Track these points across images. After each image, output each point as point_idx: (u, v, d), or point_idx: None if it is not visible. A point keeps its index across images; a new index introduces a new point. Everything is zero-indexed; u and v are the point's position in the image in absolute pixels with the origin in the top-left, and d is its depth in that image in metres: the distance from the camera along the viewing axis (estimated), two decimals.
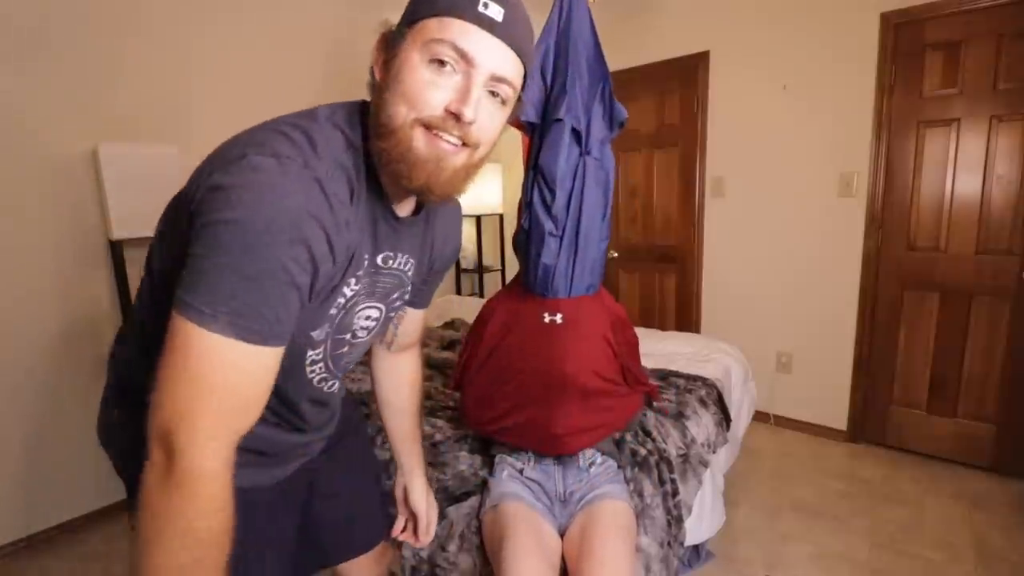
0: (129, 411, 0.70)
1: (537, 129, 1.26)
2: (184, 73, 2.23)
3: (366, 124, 0.63)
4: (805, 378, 2.74)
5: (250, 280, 0.51)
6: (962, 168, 2.25)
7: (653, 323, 3.27)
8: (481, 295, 3.78)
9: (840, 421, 2.66)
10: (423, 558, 1.22)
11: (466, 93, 0.58)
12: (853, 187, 2.48)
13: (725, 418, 1.81)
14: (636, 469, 1.35)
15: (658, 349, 2.20)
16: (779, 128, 2.66)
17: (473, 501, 1.28)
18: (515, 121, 1.26)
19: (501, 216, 3.79)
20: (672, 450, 1.45)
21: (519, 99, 0.66)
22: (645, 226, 3.26)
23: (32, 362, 1.94)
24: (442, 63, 0.57)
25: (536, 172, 1.23)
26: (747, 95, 2.74)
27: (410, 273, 0.78)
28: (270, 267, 0.52)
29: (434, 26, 0.57)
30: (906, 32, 2.30)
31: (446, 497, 1.30)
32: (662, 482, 1.36)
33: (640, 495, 1.30)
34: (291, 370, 0.68)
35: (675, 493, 1.36)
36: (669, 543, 1.29)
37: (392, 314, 0.81)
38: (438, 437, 1.47)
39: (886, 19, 2.32)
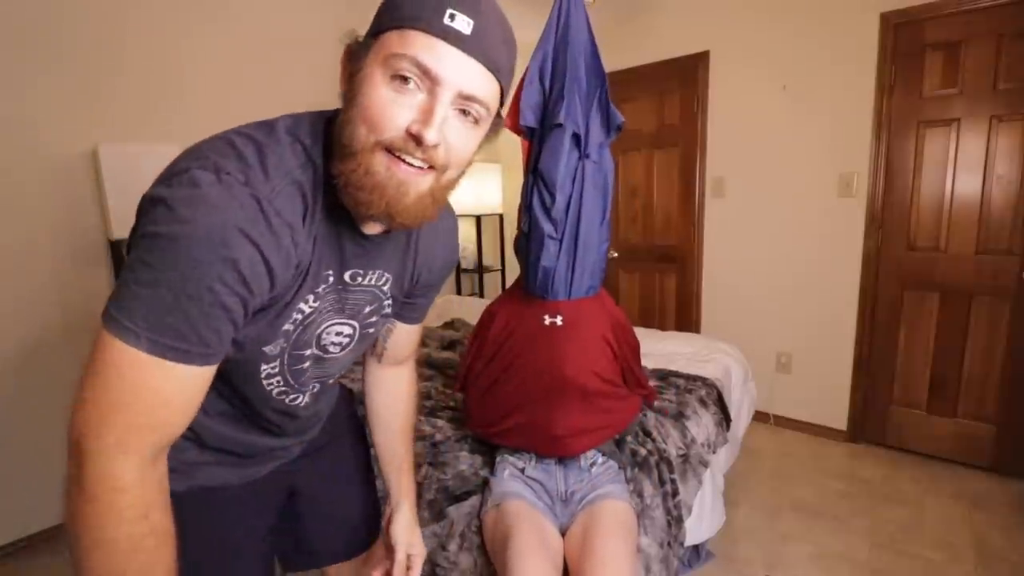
0: None
1: (536, 134, 1.26)
2: (184, 73, 2.23)
3: (332, 135, 0.59)
4: (805, 378, 2.75)
5: (175, 298, 0.49)
6: (962, 168, 2.25)
7: (653, 323, 3.27)
8: (481, 295, 3.78)
9: (840, 421, 2.66)
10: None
11: (429, 114, 0.53)
12: (853, 187, 2.48)
13: (725, 418, 1.81)
14: (636, 469, 1.36)
15: (658, 349, 2.21)
16: (779, 128, 2.66)
17: (474, 500, 1.29)
18: (514, 126, 1.27)
19: (501, 216, 3.79)
20: (672, 450, 1.46)
21: (499, 115, 0.61)
22: (645, 226, 3.26)
23: (32, 361, 1.94)
24: (405, 79, 0.53)
25: (536, 176, 1.23)
26: (747, 95, 2.75)
27: (386, 288, 0.74)
28: (195, 287, 0.50)
29: (395, 40, 0.53)
30: (906, 32, 2.30)
31: (446, 497, 1.30)
32: (662, 482, 1.37)
33: (640, 495, 1.30)
34: (248, 379, 0.67)
35: (675, 493, 1.36)
36: (669, 543, 1.30)
37: (369, 330, 0.77)
38: (438, 437, 1.47)
39: (886, 19, 2.32)
